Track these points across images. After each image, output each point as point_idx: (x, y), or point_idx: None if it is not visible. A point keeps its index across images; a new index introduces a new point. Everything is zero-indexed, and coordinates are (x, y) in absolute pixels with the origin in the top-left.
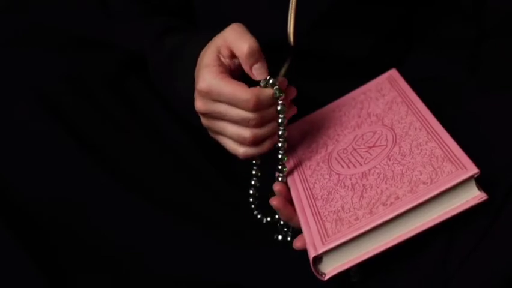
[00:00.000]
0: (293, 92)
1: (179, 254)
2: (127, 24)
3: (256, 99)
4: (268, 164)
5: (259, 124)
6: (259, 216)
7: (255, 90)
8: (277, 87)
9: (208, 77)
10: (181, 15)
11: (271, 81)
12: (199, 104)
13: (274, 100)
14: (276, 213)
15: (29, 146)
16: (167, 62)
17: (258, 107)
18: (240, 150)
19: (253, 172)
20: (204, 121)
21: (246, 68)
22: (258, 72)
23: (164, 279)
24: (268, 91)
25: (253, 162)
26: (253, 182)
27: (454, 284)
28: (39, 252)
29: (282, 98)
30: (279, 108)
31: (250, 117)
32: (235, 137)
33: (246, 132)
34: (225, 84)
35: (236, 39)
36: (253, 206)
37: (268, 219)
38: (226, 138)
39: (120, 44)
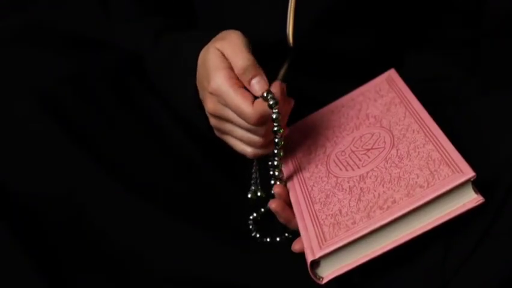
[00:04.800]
0: (290, 103)
1: (179, 254)
2: (126, 25)
3: (259, 116)
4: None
5: (266, 133)
6: (257, 236)
7: (258, 106)
8: (271, 95)
9: (218, 81)
10: (181, 15)
11: (265, 94)
12: (210, 105)
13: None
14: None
15: (29, 145)
16: (166, 61)
17: (261, 122)
18: (249, 150)
19: (254, 163)
20: (213, 121)
21: (244, 83)
22: (256, 86)
23: (164, 280)
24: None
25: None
26: (253, 175)
27: (453, 284)
28: (39, 252)
29: (277, 107)
30: (274, 116)
31: (256, 129)
32: (245, 140)
33: (256, 137)
34: (233, 94)
35: (232, 53)
36: (253, 188)
37: (268, 239)
38: (234, 139)
39: (119, 44)
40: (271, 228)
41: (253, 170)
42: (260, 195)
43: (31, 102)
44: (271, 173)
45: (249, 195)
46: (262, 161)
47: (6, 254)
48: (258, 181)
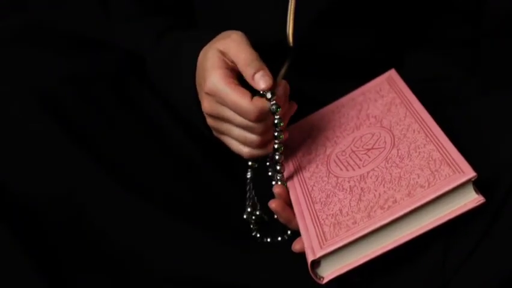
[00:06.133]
0: (293, 107)
1: (180, 254)
2: (126, 25)
3: (258, 112)
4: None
5: (264, 132)
6: (258, 236)
7: (257, 102)
8: (274, 102)
9: (214, 80)
10: (181, 15)
11: (268, 96)
12: (206, 105)
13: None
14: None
15: (29, 146)
16: (166, 61)
17: (261, 119)
18: (245, 151)
19: (248, 175)
20: (210, 121)
21: (247, 78)
22: (260, 81)
23: (164, 280)
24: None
25: (250, 164)
26: (248, 194)
27: (453, 284)
28: (39, 252)
29: (279, 112)
30: (275, 121)
31: (254, 126)
32: (242, 139)
33: (252, 136)
34: (230, 92)
35: (235, 49)
36: (248, 209)
37: (269, 239)
38: (231, 138)
39: (119, 44)
40: (271, 228)
41: (247, 188)
42: (257, 214)
43: (31, 102)
44: (270, 174)
45: (245, 216)
46: (257, 179)
47: (6, 254)
48: (251, 202)
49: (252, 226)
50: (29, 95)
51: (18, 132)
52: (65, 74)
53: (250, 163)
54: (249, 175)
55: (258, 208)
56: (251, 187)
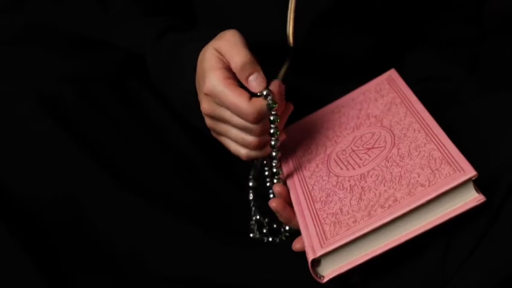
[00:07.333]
0: (289, 107)
1: (180, 254)
2: (126, 24)
3: (257, 113)
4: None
5: (261, 133)
6: (258, 236)
7: (256, 103)
8: (270, 97)
9: (213, 81)
10: (181, 15)
11: (264, 93)
12: (205, 106)
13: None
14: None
15: (29, 145)
16: (166, 61)
17: (259, 119)
18: (243, 152)
19: (250, 184)
20: (209, 122)
21: (242, 81)
22: (254, 83)
23: (164, 280)
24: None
25: (252, 162)
26: (251, 184)
27: (453, 284)
28: (39, 252)
29: (275, 109)
30: (271, 118)
31: (252, 127)
32: (239, 141)
33: (250, 138)
34: (229, 93)
35: (229, 51)
36: (253, 208)
37: (269, 239)
38: (229, 140)
39: (120, 44)
40: (271, 228)
41: (250, 198)
42: (260, 220)
43: (31, 102)
44: (267, 175)
45: (251, 235)
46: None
47: (6, 254)
48: (255, 211)
49: (255, 230)
50: (29, 95)
51: (18, 133)
52: (66, 74)
53: (251, 175)
54: (250, 184)
55: (261, 215)
56: (253, 196)
